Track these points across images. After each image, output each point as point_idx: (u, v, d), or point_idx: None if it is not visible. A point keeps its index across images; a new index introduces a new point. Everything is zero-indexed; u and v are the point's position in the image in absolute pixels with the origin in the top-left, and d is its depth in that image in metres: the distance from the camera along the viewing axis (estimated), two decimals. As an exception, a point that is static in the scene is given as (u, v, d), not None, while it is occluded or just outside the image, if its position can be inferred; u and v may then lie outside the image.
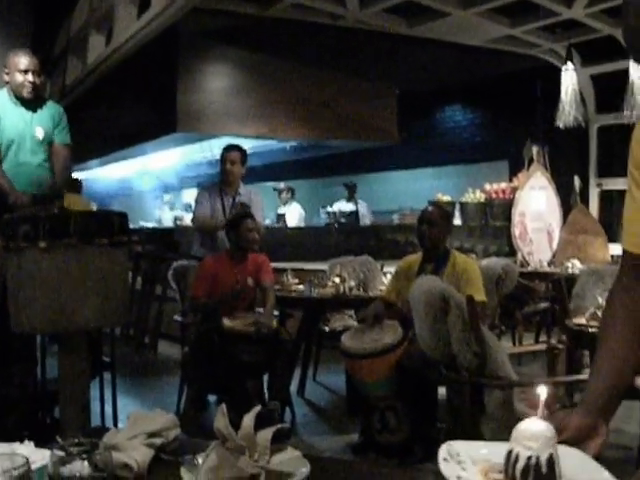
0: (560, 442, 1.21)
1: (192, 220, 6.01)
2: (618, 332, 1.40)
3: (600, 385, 1.36)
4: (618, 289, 1.47)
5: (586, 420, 1.30)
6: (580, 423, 1.28)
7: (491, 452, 1.19)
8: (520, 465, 1.10)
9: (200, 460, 1.41)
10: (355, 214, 10.75)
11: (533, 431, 1.11)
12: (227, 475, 1.36)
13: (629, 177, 1.42)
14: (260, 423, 1.45)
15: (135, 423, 1.54)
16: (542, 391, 1.17)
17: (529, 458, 1.09)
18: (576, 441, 1.26)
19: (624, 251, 1.45)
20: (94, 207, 9.95)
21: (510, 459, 1.12)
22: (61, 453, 1.23)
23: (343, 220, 10.58)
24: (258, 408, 1.46)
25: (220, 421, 1.40)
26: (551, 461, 1.10)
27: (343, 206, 10.92)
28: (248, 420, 1.42)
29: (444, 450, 1.21)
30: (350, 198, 11.02)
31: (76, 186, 10.88)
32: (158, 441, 1.50)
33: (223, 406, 1.44)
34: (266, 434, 1.42)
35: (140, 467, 1.41)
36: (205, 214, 5.69)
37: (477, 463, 1.19)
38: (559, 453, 1.15)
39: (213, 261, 5.11)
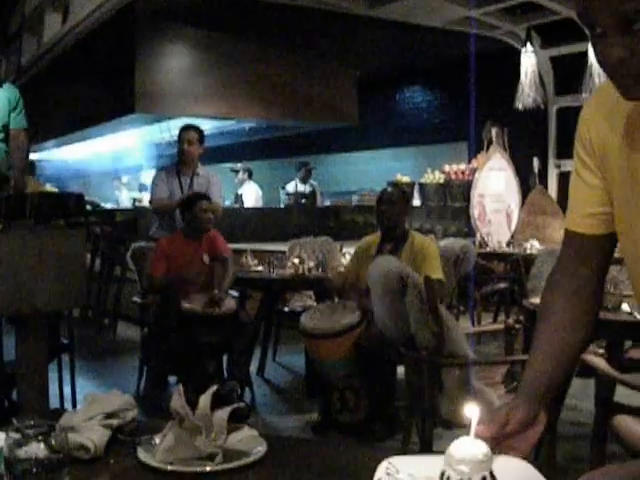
0: (505, 436, 1.21)
1: (149, 202, 5.94)
2: (557, 317, 1.38)
3: (538, 372, 1.34)
4: (558, 271, 1.43)
5: (528, 411, 1.27)
6: (522, 417, 1.26)
7: (433, 469, 1.14)
8: None
9: (157, 440, 1.42)
10: (312, 195, 10.73)
11: (464, 454, 1.05)
12: (184, 455, 1.37)
13: (575, 157, 1.42)
14: (219, 403, 1.46)
15: (92, 404, 1.52)
16: (473, 411, 1.11)
17: None
18: (518, 433, 1.25)
19: (567, 231, 1.42)
20: (49, 188, 9.79)
21: None
22: (17, 435, 1.22)
23: (303, 201, 10.55)
24: (214, 388, 1.46)
25: (176, 401, 1.41)
26: None
27: (299, 187, 10.86)
28: (204, 400, 1.43)
29: (382, 468, 1.15)
30: (306, 179, 10.96)
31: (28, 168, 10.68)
32: (115, 422, 1.50)
33: (180, 386, 1.45)
34: (223, 414, 1.43)
35: (97, 448, 1.41)
36: (162, 196, 5.63)
37: None
38: (503, 467, 1.11)
39: (168, 241, 5.10)
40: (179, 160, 5.73)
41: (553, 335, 1.36)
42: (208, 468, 1.34)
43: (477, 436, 1.12)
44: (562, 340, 1.35)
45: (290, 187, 10.87)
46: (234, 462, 1.36)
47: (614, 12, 1.04)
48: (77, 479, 1.31)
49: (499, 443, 1.21)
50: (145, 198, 11.14)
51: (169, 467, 1.34)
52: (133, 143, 13.69)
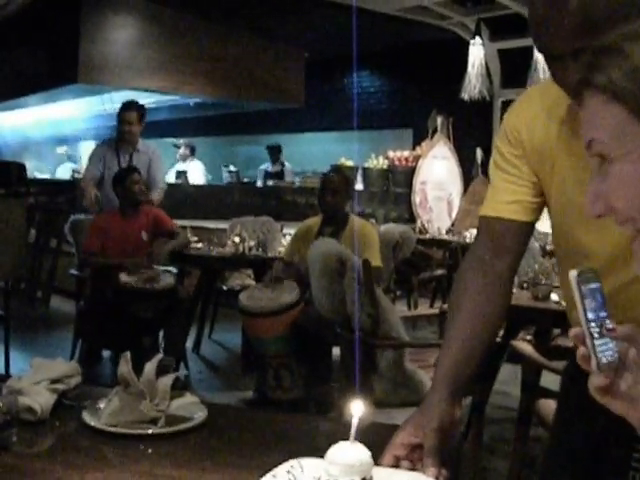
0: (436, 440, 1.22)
1: (81, 179, 5.85)
2: (468, 313, 1.38)
3: (451, 367, 1.34)
4: (471, 267, 1.44)
5: (448, 410, 1.29)
6: (445, 418, 1.27)
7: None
8: None
9: (101, 405, 1.47)
10: (236, 174, 10.83)
11: (335, 457, 1.06)
12: (128, 418, 1.43)
13: (500, 150, 1.44)
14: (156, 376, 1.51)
15: (38, 370, 1.56)
16: (356, 409, 1.10)
17: None
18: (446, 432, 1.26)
19: (487, 219, 1.44)
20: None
21: None
22: None
23: (246, 180, 10.55)
24: (160, 356, 1.54)
25: (123, 367, 1.47)
26: None
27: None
28: (150, 367, 1.49)
29: (286, 465, 1.14)
30: (273, 160, 11.04)
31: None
32: (60, 387, 1.54)
33: (127, 353, 1.50)
34: (166, 380, 1.50)
35: (43, 411, 1.45)
36: (93, 174, 5.52)
37: None
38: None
39: (104, 217, 5.06)
40: (119, 138, 5.62)
41: (464, 331, 1.37)
42: (150, 431, 1.40)
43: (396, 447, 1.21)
44: (472, 335, 1.37)
45: (263, 167, 11.10)
46: (176, 426, 1.43)
47: (568, 45, 1.09)
48: (24, 440, 1.36)
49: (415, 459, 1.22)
50: (83, 169, 10.96)
51: (113, 429, 1.39)
52: (74, 113, 13.43)
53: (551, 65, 1.22)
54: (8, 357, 4.35)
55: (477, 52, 8.20)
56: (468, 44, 8.32)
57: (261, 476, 1.12)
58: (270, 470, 1.13)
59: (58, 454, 1.32)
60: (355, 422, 1.09)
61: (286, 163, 11.30)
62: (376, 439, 1.22)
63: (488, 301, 1.39)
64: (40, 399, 1.45)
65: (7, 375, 1.72)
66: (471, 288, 1.41)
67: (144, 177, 5.47)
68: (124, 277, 4.59)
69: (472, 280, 1.42)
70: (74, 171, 12.18)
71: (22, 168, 3.41)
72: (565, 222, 1.37)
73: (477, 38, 8.23)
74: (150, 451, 1.33)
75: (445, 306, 4.06)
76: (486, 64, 8.35)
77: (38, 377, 1.52)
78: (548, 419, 2.74)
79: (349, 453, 1.07)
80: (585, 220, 1.23)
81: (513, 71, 8.66)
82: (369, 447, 1.09)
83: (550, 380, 2.89)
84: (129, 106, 5.65)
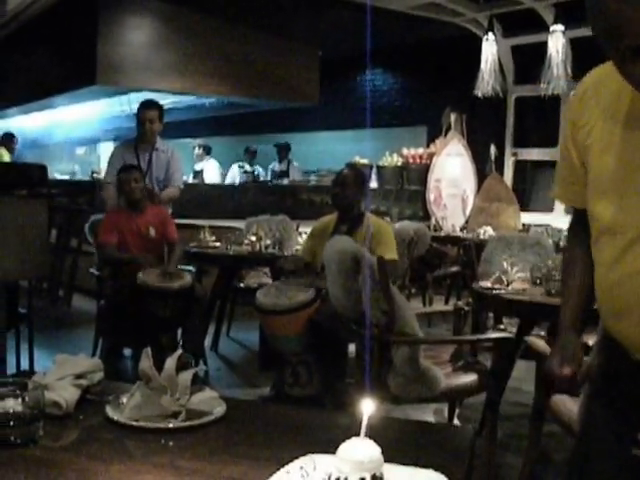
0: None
1: (102, 182, 5.92)
2: (581, 263, 1.66)
3: (576, 307, 1.66)
4: (573, 241, 1.72)
5: (580, 345, 1.61)
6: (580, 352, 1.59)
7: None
8: None
9: (124, 400, 1.52)
10: (252, 173, 10.95)
11: (346, 454, 1.09)
12: (150, 412, 1.47)
13: (565, 144, 1.56)
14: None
15: (62, 365, 1.61)
16: (366, 406, 1.13)
17: (337, 479, 1.08)
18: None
19: (572, 208, 1.71)
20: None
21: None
22: None
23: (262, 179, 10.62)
24: (180, 352, 1.59)
25: (144, 362, 1.53)
26: None
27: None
28: (170, 363, 1.54)
29: (299, 462, 1.18)
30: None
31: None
32: (84, 382, 1.59)
33: (148, 349, 1.55)
34: (186, 376, 1.55)
35: (68, 405, 1.50)
36: (113, 180, 5.56)
37: None
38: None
39: (115, 213, 5.17)
40: (139, 137, 5.64)
41: (580, 278, 1.67)
42: (171, 425, 1.45)
43: (562, 377, 1.48)
44: (587, 287, 1.62)
45: (271, 165, 11.24)
46: (196, 420, 1.47)
47: None
48: (50, 433, 1.41)
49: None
50: (103, 170, 11.05)
51: (135, 423, 1.44)
52: (92, 115, 13.52)
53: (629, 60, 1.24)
54: (32, 355, 4.43)
55: (490, 48, 8.21)
56: (481, 41, 8.33)
57: (278, 469, 1.16)
58: (286, 463, 1.18)
59: (83, 447, 1.37)
60: (365, 419, 1.11)
61: (294, 162, 11.34)
62: (389, 434, 1.27)
63: (589, 256, 1.60)
64: (65, 394, 1.50)
65: (31, 372, 1.77)
66: (576, 263, 1.69)
67: (163, 176, 5.54)
68: (142, 276, 4.65)
69: (576, 257, 1.69)
70: (93, 172, 12.29)
71: (44, 170, 3.47)
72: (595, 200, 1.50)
73: (490, 34, 8.23)
74: (171, 444, 1.38)
75: (460, 303, 4.09)
76: (499, 60, 8.36)
77: (62, 373, 1.57)
78: (561, 414, 2.77)
79: (359, 449, 1.09)
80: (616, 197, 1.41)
81: (526, 67, 8.67)
82: (382, 443, 1.12)
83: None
84: (149, 105, 5.68)
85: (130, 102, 10.81)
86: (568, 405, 2.70)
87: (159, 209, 5.24)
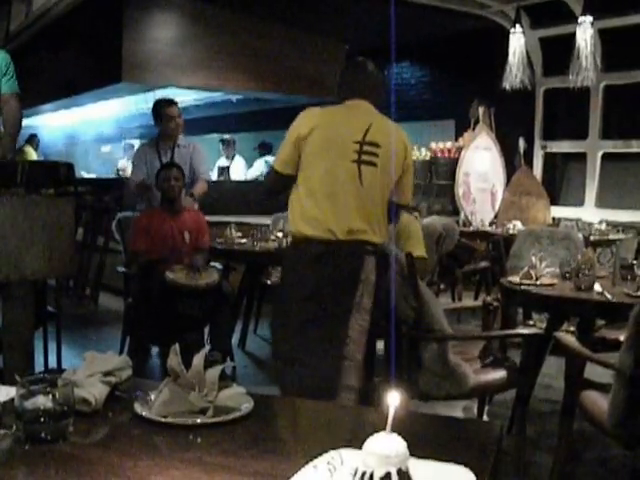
0: None
1: (128, 184, 5.94)
2: None
3: None
4: None
5: None
6: None
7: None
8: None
9: (152, 397, 1.53)
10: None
11: (373, 448, 1.09)
12: (178, 409, 1.48)
13: None
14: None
15: (91, 363, 1.62)
16: (392, 399, 1.13)
17: (363, 473, 1.08)
18: None
19: None
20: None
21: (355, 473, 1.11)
22: (23, 389, 1.35)
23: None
24: (207, 349, 1.58)
25: (173, 359, 1.53)
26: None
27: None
28: (198, 359, 1.54)
29: (327, 456, 1.18)
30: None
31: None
32: (113, 379, 1.60)
33: (176, 346, 1.56)
34: (214, 372, 1.54)
35: (97, 402, 1.51)
36: (138, 178, 5.57)
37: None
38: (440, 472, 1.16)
39: (147, 215, 5.12)
40: (162, 135, 5.66)
41: None
42: (199, 420, 1.46)
43: None
44: None
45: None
46: (224, 416, 1.48)
47: None
48: (79, 430, 1.42)
49: None
50: (128, 168, 11.12)
51: (163, 419, 1.45)
52: (118, 112, 13.59)
53: None
54: (60, 353, 4.46)
55: (518, 41, 8.13)
56: (508, 33, 8.25)
57: (306, 463, 1.15)
58: (314, 458, 1.17)
59: (112, 443, 1.38)
60: (392, 413, 1.11)
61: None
62: (415, 429, 1.25)
63: None
64: (94, 391, 1.51)
65: (60, 370, 1.78)
66: None
67: (186, 171, 5.54)
68: (170, 274, 4.66)
69: None
70: (118, 170, 12.36)
71: (70, 168, 3.48)
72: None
73: (517, 26, 8.15)
74: (199, 440, 1.38)
75: (489, 298, 4.06)
76: (527, 52, 8.27)
77: (92, 370, 1.58)
78: (590, 408, 2.74)
79: (385, 444, 1.09)
80: None
81: (555, 59, 8.56)
82: (408, 437, 1.11)
83: (594, 372, 2.88)
84: (171, 102, 5.78)
85: (156, 99, 10.84)
86: (599, 402, 2.67)
87: (197, 215, 5.21)
